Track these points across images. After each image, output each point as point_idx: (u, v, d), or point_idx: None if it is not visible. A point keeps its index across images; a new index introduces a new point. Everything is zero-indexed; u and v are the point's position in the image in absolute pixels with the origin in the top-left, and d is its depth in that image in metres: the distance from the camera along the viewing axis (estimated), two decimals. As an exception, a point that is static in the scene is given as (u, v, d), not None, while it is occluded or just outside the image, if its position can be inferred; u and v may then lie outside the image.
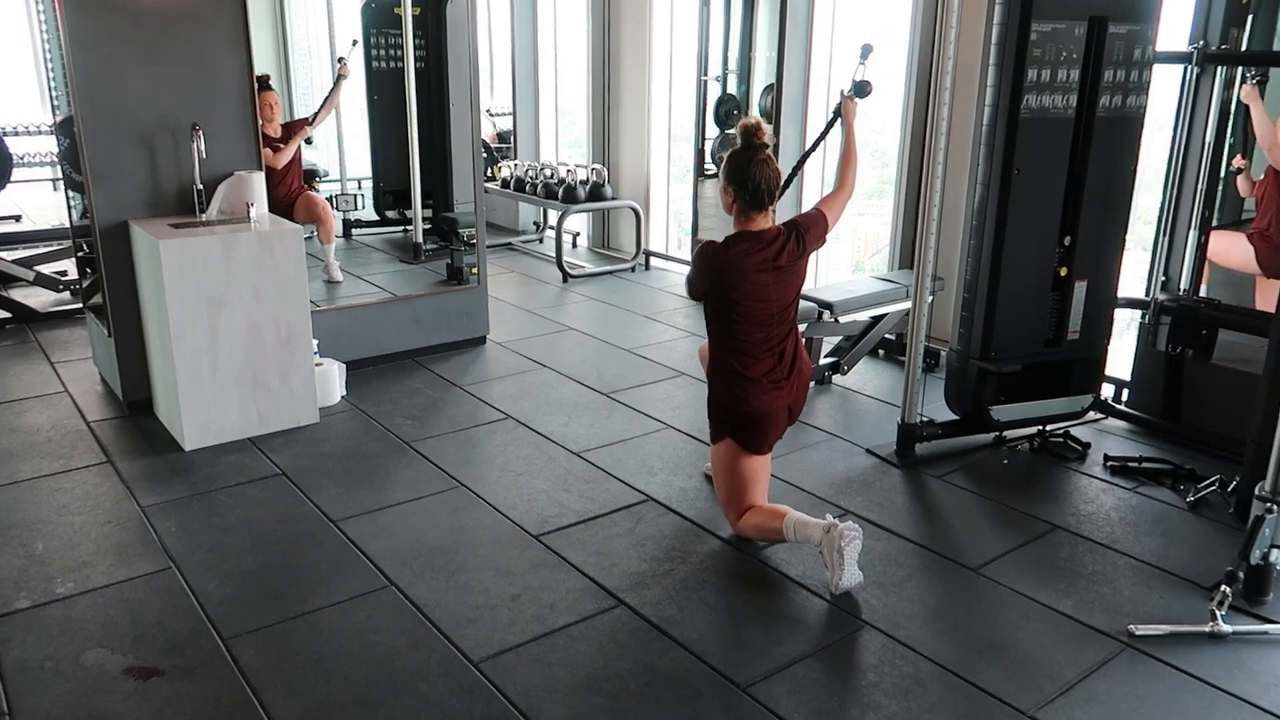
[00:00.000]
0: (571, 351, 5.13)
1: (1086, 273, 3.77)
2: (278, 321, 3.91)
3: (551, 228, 7.55)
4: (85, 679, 2.44)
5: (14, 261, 5.77)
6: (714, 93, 6.00)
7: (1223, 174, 4.05)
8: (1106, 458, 3.78)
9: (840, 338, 4.71)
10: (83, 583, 2.87)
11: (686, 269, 3.32)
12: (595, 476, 3.63)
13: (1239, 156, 4.09)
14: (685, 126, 6.71)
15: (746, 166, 2.95)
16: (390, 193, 6.07)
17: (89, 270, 4.43)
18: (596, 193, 6.85)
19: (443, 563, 3.01)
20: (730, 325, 3.04)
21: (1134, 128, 3.68)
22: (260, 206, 4.08)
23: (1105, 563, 3.07)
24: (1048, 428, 3.97)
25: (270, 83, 5.07)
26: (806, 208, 3.27)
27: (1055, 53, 3.47)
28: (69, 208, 4.65)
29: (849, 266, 6.92)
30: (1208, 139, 3.90)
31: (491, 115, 8.49)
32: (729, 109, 5.95)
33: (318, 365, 4.18)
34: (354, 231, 6.04)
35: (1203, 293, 4.08)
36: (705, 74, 6.00)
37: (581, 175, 6.86)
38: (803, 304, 4.33)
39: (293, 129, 5.32)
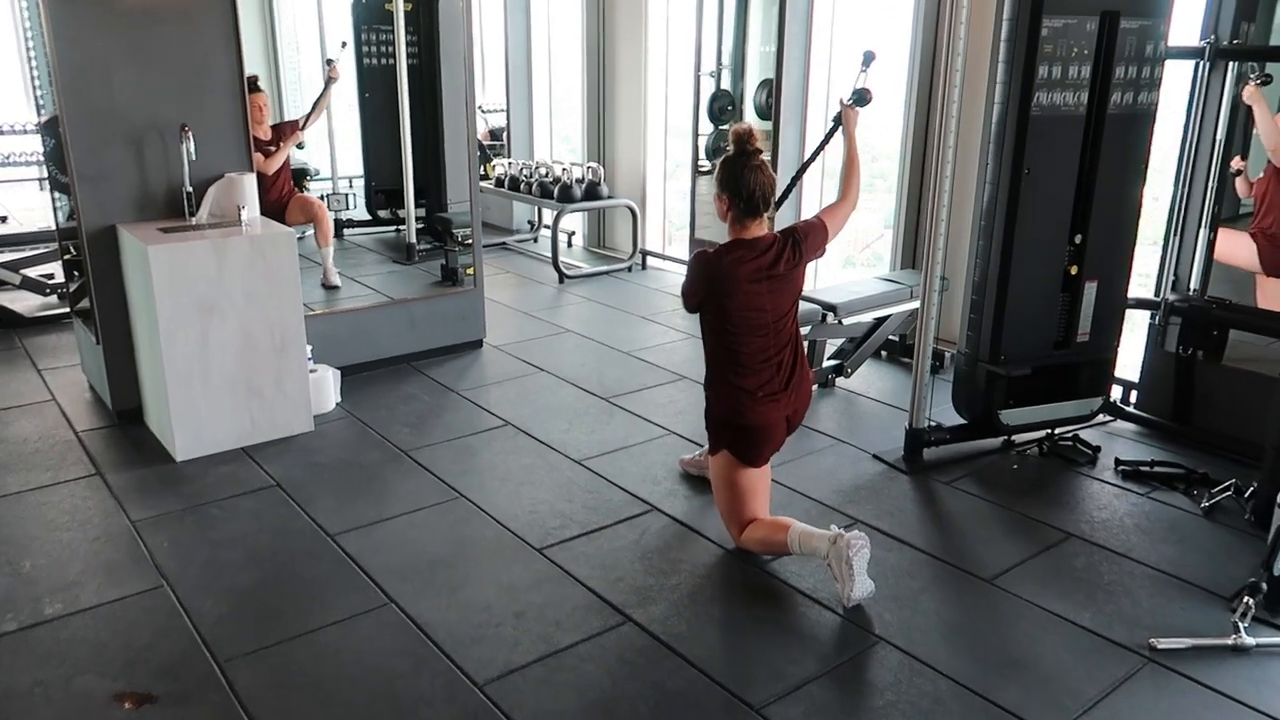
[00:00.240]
0: (570, 355, 5.05)
1: (1096, 273, 3.70)
2: (271, 327, 3.81)
3: (547, 227, 7.46)
4: (75, 706, 2.35)
5: (0, 265, 5.65)
6: (709, 88, 5.92)
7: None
8: (1118, 462, 3.72)
9: (844, 340, 4.63)
10: (72, 603, 2.77)
11: (684, 268, 3.23)
12: (598, 485, 3.55)
13: (1237, 158, 4.02)
14: (683, 121, 6.61)
15: (740, 173, 2.88)
16: (382, 192, 5.98)
17: (76, 274, 4.32)
18: (592, 191, 6.76)
19: (444, 578, 2.92)
20: (725, 336, 2.97)
21: (1146, 125, 3.61)
22: (252, 209, 3.99)
23: (1122, 572, 3.00)
24: (1056, 431, 3.90)
25: (259, 83, 4.96)
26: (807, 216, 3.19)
27: (1066, 49, 3.40)
28: (55, 210, 4.54)
29: (840, 261, 6.86)
30: (1219, 135, 3.83)
31: (484, 112, 8.38)
32: (723, 105, 5.87)
33: (312, 371, 4.09)
34: (346, 232, 5.94)
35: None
36: (700, 70, 5.91)
37: (577, 174, 6.77)
38: (806, 306, 4.31)
39: (283, 130, 5.21)
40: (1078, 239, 3.63)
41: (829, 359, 4.62)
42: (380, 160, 5.87)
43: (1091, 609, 2.80)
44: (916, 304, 4.14)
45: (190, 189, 3.91)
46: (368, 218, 6.01)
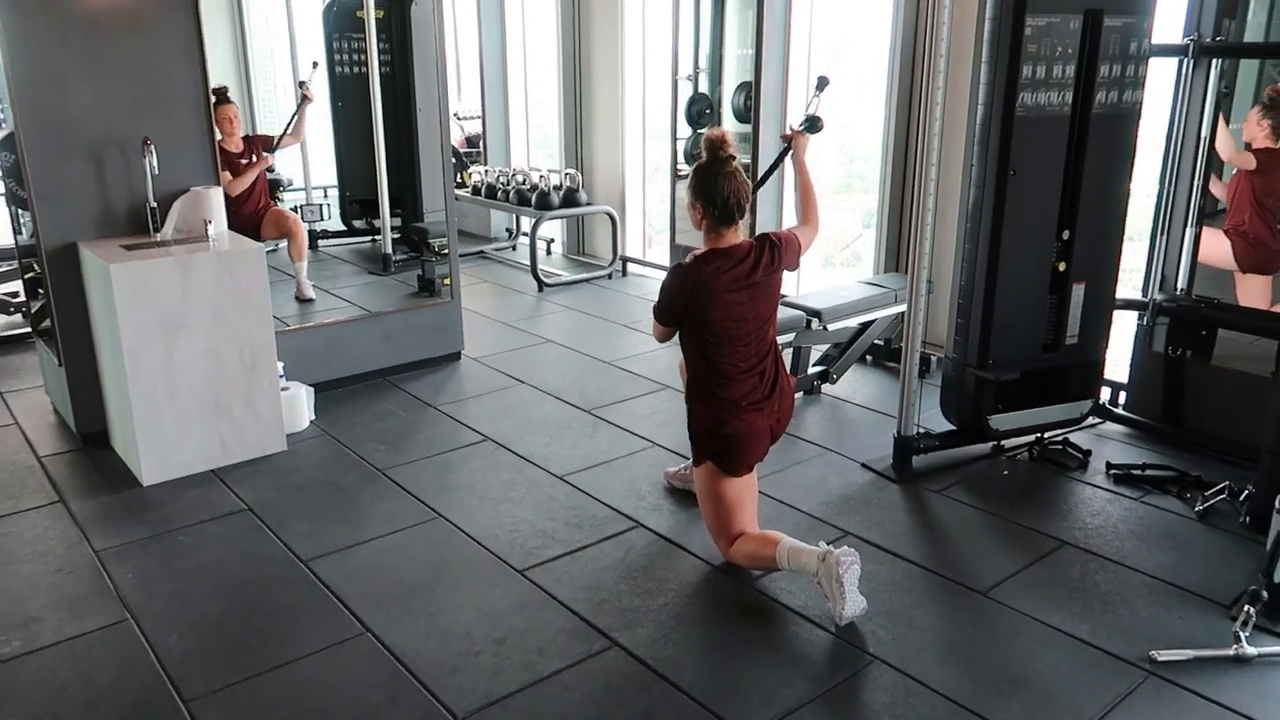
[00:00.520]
0: (550, 366, 4.94)
1: (1084, 275, 3.64)
2: (240, 344, 3.69)
3: (525, 235, 7.35)
4: (32, 752, 2.24)
5: (-39, 283, 5.50)
6: (686, 92, 5.85)
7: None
8: (1109, 465, 3.65)
9: (828, 345, 4.55)
10: (30, 640, 2.65)
11: (665, 274, 3.12)
12: (580, 502, 3.45)
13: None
14: (661, 124, 6.53)
15: (714, 180, 2.81)
16: (357, 202, 5.85)
17: (39, 292, 4.18)
18: (571, 198, 6.66)
19: (421, 604, 2.82)
20: (706, 347, 2.89)
21: (1130, 124, 3.56)
22: (219, 224, 3.87)
23: (1118, 581, 2.93)
24: (1046, 435, 3.84)
25: (229, 94, 4.84)
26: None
27: (1050, 48, 3.33)
28: (15, 227, 4.40)
29: (820, 261, 6.80)
30: (1203, 133, 3.79)
31: (459, 119, 8.27)
32: (701, 108, 5.80)
33: (284, 389, 3.97)
34: (320, 243, 5.81)
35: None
36: (677, 73, 5.84)
37: (555, 180, 6.67)
38: (790, 312, 4.23)
39: (255, 143, 5.08)
40: (1065, 234, 3.56)
41: (813, 365, 4.54)
42: (355, 169, 5.74)
43: (1089, 620, 2.72)
44: (902, 308, 4.08)
45: (154, 204, 3.79)
46: (342, 228, 5.88)
